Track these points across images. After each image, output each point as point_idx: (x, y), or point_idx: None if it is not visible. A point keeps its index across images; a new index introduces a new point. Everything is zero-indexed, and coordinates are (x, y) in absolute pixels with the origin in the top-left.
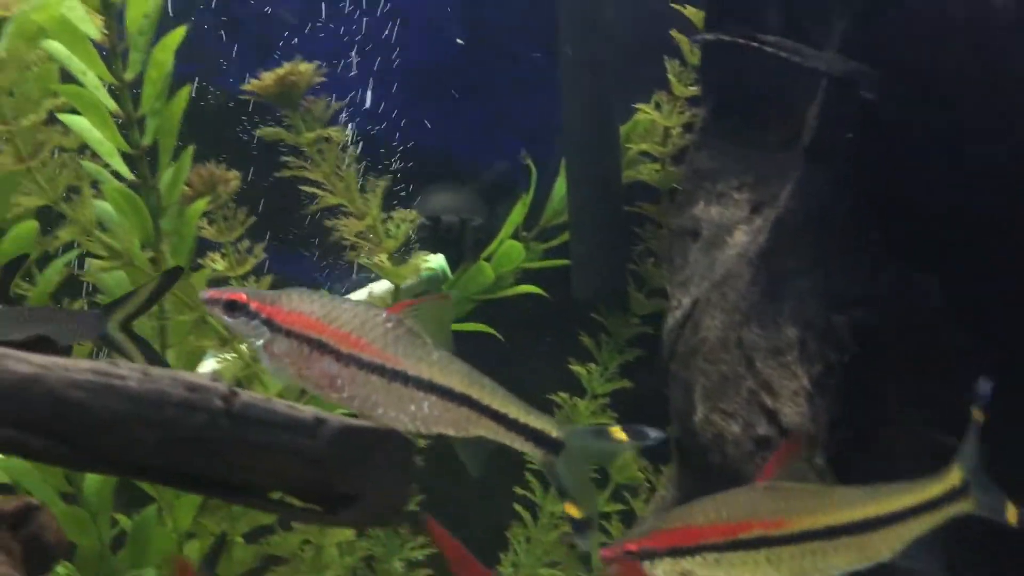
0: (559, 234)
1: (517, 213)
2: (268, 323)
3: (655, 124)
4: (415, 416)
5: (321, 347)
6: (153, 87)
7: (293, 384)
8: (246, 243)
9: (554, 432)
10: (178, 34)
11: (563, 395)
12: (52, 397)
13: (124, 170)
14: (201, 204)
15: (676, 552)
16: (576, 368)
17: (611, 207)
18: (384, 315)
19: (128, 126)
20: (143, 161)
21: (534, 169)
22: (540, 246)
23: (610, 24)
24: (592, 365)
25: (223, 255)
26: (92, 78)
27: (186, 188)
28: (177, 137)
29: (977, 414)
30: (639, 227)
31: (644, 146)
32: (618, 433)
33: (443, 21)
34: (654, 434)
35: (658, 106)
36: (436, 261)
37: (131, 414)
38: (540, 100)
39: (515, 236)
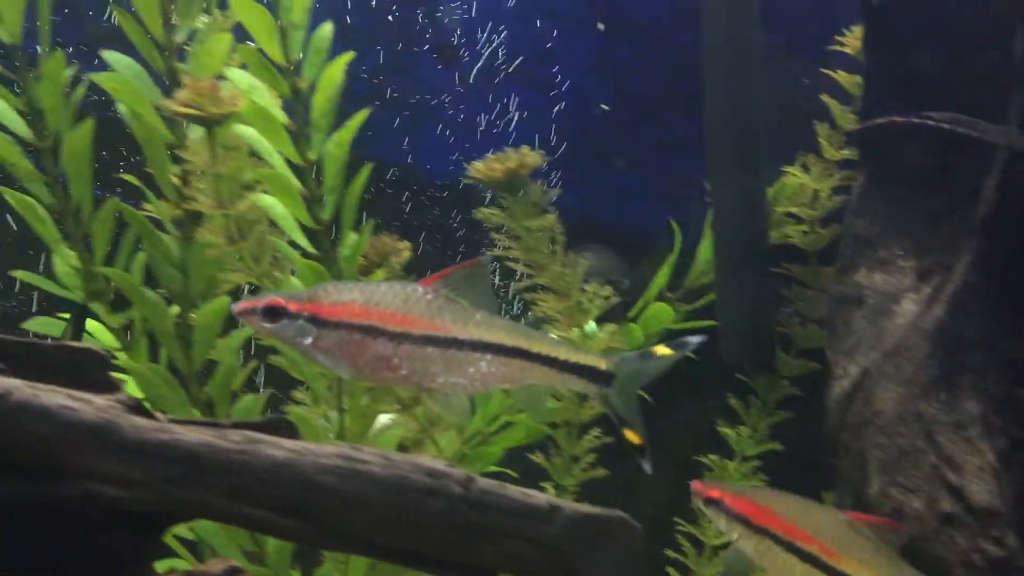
0: (704, 295)
1: (663, 275)
2: (313, 320)
3: (803, 186)
4: (474, 377)
5: (371, 331)
6: (335, 165)
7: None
8: None
9: (603, 365)
10: (360, 116)
11: (712, 457)
12: (303, 481)
13: (306, 243)
14: (378, 275)
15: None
16: (725, 430)
17: (758, 269)
18: (422, 289)
19: (311, 202)
20: (326, 235)
21: (678, 231)
22: (684, 307)
23: (758, 87)
24: (742, 427)
25: None
26: (278, 159)
27: (361, 259)
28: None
29: None
30: (787, 289)
31: (792, 208)
32: (662, 350)
33: (588, 88)
34: (695, 340)
35: (806, 168)
36: (589, 327)
37: (375, 498)
38: (683, 162)
39: (659, 297)
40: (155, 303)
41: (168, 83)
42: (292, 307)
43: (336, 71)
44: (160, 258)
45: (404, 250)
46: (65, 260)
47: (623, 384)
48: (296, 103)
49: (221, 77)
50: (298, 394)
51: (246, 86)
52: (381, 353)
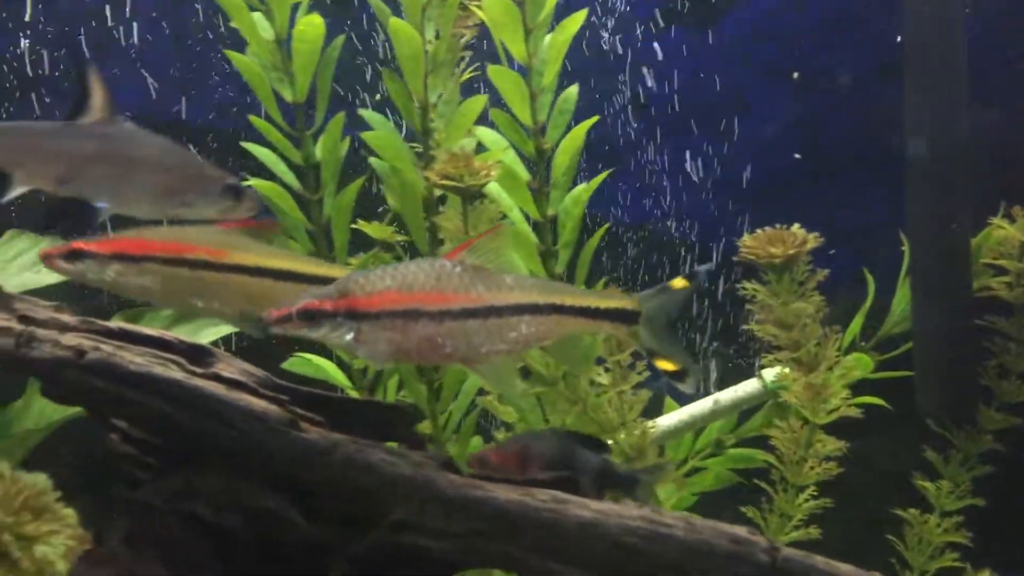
0: (899, 344)
1: (856, 323)
2: (350, 315)
3: (1009, 237)
4: (516, 341)
5: (411, 314)
6: (571, 221)
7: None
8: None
9: (629, 306)
10: (602, 176)
11: (913, 511)
12: (610, 541)
13: None
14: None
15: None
16: (923, 483)
17: (960, 320)
18: (448, 263)
19: (546, 256)
20: None
21: (871, 280)
22: (877, 356)
23: (962, 136)
24: (942, 481)
25: (607, 369)
26: (518, 214)
27: None
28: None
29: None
30: (989, 341)
31: (997, 260)
32: (679, 282)
33: (780, 137)
34: (704, 267)
35: (1012, 218)
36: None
37: (678, 561)
38: (874, 212)
39: (852, 346)
40: None
41: (423, 138)
42: (328, 306)
43: (580, 132)
44: None
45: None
46: None
47: (649, 320)
48: (539, 162)
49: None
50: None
51: (493, 145)
52: (424, 335)
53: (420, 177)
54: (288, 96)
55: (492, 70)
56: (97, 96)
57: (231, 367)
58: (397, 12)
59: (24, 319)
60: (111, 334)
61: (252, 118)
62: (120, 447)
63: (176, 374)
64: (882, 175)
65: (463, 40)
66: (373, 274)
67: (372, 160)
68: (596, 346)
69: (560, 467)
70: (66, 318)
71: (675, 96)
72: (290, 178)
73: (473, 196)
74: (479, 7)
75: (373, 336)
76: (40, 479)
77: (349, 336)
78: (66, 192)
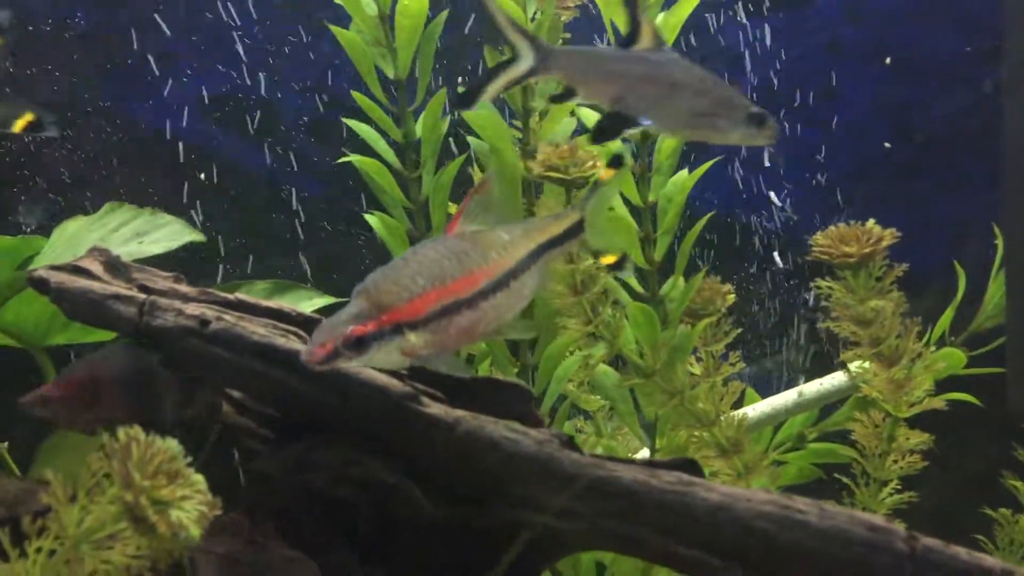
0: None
1: (946, 317)
2: (396, 328)
3: None
4: (525, 295)
5: (452, 309)
6: (673, 208)
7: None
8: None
9: (578, 216)
10: (706, 165)
11: (1004, 511)
12: (740, 526)
13: (636, 284)
14: (705, 320)
15: None
16: (1014, 483)
17: None
18: (458, 240)
19: (645, 243)
20: (654, 276)
21: (962, 272)
22: (968, 352)
23: None
24: None
25: (699, 359)
26: (617, 199)
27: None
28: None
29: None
30: None
31: None
32: (605, 175)
33: (868, 125)
34: (620, 146)
35: None
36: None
37: (814, 549)
38: (965, 203)
39: (941, 340)
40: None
41: (521, 119)
42: (373, 328)
43: None
44: None
45: (728, 293)
46: None
47: (590, 223)
48: (642, 146)
49: (572, 113)
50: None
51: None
52: (465, 326)
53: (519, 158)
54: (390, 72)
55: None
56: (646, 27)
57: None
58: None
59: (144, 289)
60: (229, 304)
61: (355, 94)
62: (235, 418)
63: (297, 345)
64: (976, 165)
65: (562, 19)
66: (400, 275)
67: (471, 139)
68: (693, 337)
69: (138, 391)
70: (184, 288)
71: (761, 82)
72: (390, 156)
73: (575, 185)
74: None
75: (421, 342)
76: (172, 444)
77: (396, 351)
78: (618, 108)
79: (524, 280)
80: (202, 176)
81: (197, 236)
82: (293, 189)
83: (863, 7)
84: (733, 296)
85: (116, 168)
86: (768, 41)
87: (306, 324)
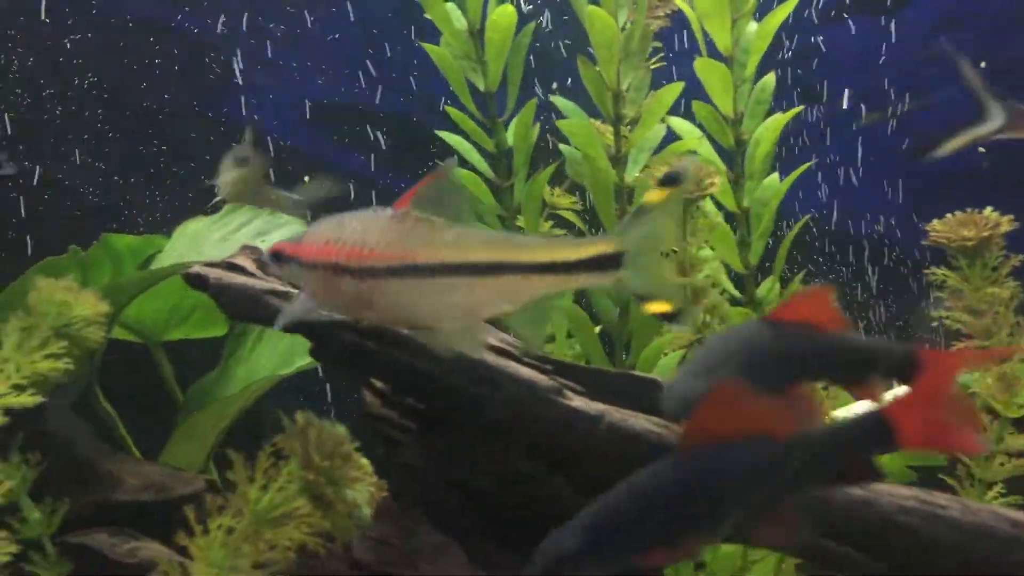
0: None
1: None
2: (296, 261)
3: None
4: (457, 307)
5: (335, 268)
6: (768, 213)
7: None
8: None
9: (611, 248)
10: (802, 168)
11: None
12: (883, 519)
13: (731, 288)
14: None
15: None
16: None
17: None
18: (388, 213)
19: (741, 247)
20: (751, 280)
21: None
22: None
23: None
24: None
25: None
26: (711, 206)
27: None
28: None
29: None
30: None
31: None
32: (653, 196)
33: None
34: (675, 170)
35: None
36: None
37: (954, 543)
38: None
39: None
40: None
41: (614, 125)
42: (288, 251)
43: (779, 123)
44: (600, 294)
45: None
46: None
47: (634, 258)
48: (736, 152)
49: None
50: None
51: (687, 134)
52: (349, 291)
53: (611, 165)
54: (480, 85)
55: (699, 63)
56: None
57: (491, 335)
58: None
59: (296, 285)
60: None
61: (448, 108)
62: (379, 410)
63: None
64: None
65: (652, 28)
66: (330, 220)
67: (562, 147)
68: None
69: None
70: None
71: (854, 87)
72: (483, 166)
73: (692, 203)
74: None
75: (309, 285)
76: (340, 429)
77: (297, 279)
78: None
79: (445, 287)
80: (306, 179)
81: None
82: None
83: (958, 12)
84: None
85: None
86: (859, 47)
87: None
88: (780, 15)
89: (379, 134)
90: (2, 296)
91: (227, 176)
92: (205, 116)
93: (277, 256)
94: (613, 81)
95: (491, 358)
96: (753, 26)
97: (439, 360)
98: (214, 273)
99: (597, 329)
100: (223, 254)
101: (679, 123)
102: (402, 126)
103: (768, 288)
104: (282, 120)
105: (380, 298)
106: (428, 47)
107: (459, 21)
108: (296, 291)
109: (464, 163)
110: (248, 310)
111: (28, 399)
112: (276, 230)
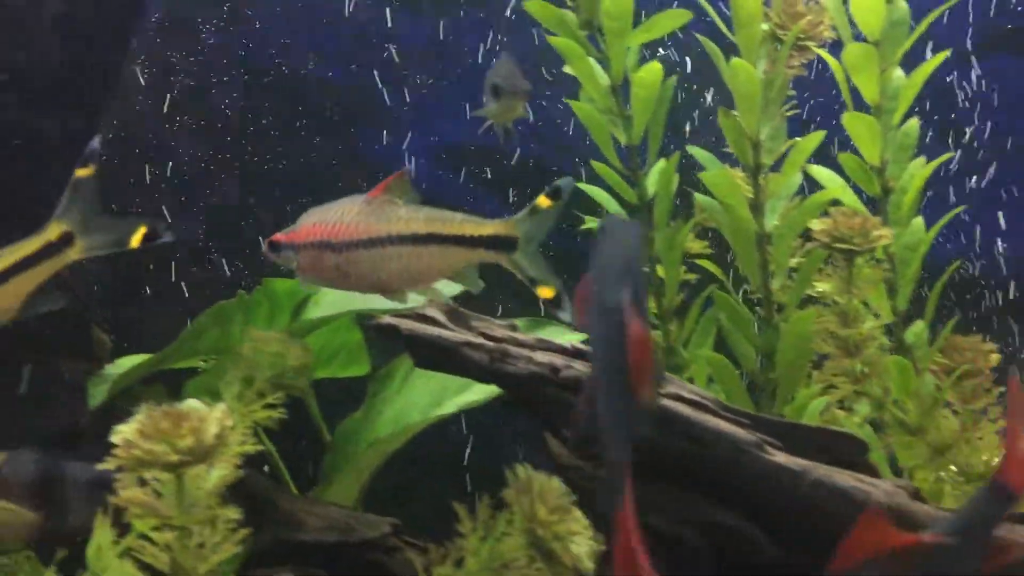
0: None
1: None
2: (291, 247)
3: None
4: (403, 272)
5: (320, 246)
6: (916, 259)
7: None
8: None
9: (505, 231)
10: (948, 216)
11: None
12: None
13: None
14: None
15: None
16: None
17: None
18: (362, 199)
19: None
20: (899, 327)
21: None
22: None
23: None
24: None
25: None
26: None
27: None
28: None
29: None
30: None
31: None
32: (544, 202)
33: None
34: (564, 182)
35: None
36: None
37: None
38: None
39: None
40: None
41: (753, 175)
42: (284, 239)
43: (927, 169)
44: (742, 341)
45: (990, 353)
46: None
47: (525, 244)
48: (882, 200)
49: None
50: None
51: (829, 183)
52: (330, 264)
53: (751, 214)
54: (623, 139)
55: (847, 118)
56: None
57: (683, 387)
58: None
59: (487, 336)
60: (566, 352)
61: (594, 163)
62: (569, 460)
63: None
64: None
65: (789, 76)
66: (308, 215)
67: (698, 196)
68: (947, 391)
69: (43, 491)
70: (521, 335)
71: (996, 129)
72: (620, 212)
73: (858, 254)
74: (821, 47)
75: (304, 265)
76: (555, 482)
77: (294, 265)
78: None
79: (396, 255)
80: None
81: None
82: (550, 241)
83: None
84: (998, 356)
85: None
86: (1002, 87)
87: None
88: (929, 67)
89: (515, 177)
90: (179, 342)
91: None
92: (351, 161)
93: (273, 246)
94: (754, 131)
95: (689, 411)
96: (899, 73)
97: None
98: (405, 324)
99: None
100: (378, 301)
101: (819, 171)
102: (539, 173)
103: (917, 334)
104: (420, 163)
105: (354, 267)
106: (572, 103)
107: (602, 77)
108: None
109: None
110: (442, 361)
111: (251, 448)
112: None
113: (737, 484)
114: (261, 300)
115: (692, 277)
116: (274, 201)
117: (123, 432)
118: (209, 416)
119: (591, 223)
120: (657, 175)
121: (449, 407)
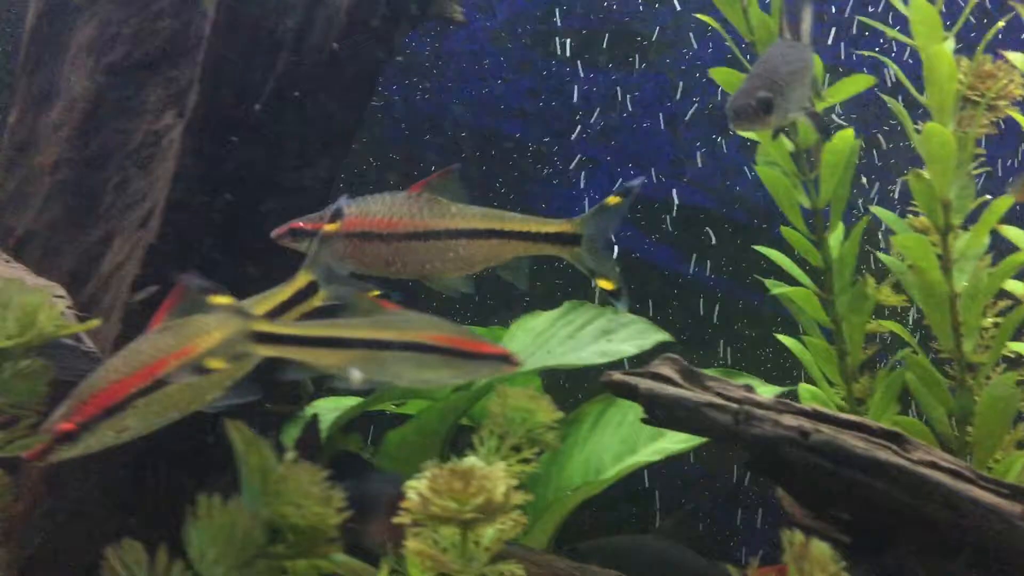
0: None
1: None
2: (333, 236)
3: None
4: (456, 261)
5: (365, 236)
6: None
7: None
8: None
9: (570, 228)
10: None
11: None
12: None
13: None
14: None
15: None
16: None
17: None
18: (405, 194)
19: None
20: None
21: None
22: None
23: None
24: None
25: None
26: None
27: None
28: None
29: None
30: None
31: None
32: (613, 200)
33: None
34: (636, 181)
35: None
36: None
37: None
38: None
39: None
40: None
41: (942, 235)
42: (309, 227)
43: None
44: (934, 403)
45: None
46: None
47: (589, 240)
48: None
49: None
50: None
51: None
52: (377, 253)
53: (944, 277)
54: (807, 203)
55: None
56: None
57: (936, 455)
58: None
59: (724, 396)
60: (805, 413)
61: (783, 228)
62: (809, 521)
63: (899, 460)
64: None
65: (979, 135)
66: (350, 202)
67: (884, 257)
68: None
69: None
70: (758, 396)
71: None
72: (804, 279)
73: None
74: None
75: (340, 251)
76: (824, 546)
77: (314, 251)
78: None
79: (451, 246)
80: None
81: (662, 335)
82: (719, 292)
83: None
84: None
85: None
86: None
87: (890, 437)
88: None
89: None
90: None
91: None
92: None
93: (295, 232)
94: (946, 192)
95: (947, 480)
96: None
97: (893, 480)
98: (644, 384)
99: None
100: (572, 352)
101: (1011, 231)
102: (710, 223)
103: None
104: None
105: (402, 256)
106: (759, 168)
107: (785, 142)
108: None
109: (787, 278)
110: (683, 420)
111: (521, 500)
112: (622, 329)
113: (998, 553)
114: None
115: (881, 328)
116: None
117: (417, 488)
118: (494, 475)
119: (776, 287)
120: (842, 238)
121: (645, 454)
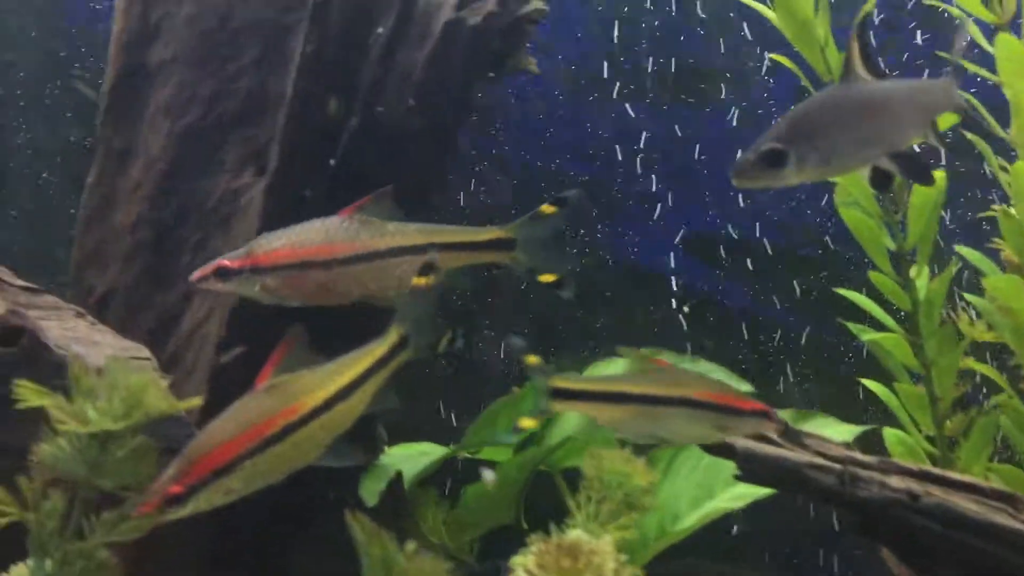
0: None
1: None
2: (253, 270)
3: None
4: (400, 279)
5: (305, 266)
6: None
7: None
8: None
9: (504, 234)
10: None
11: None
12: None
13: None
14: None
15: None
16: None
17: None
18: (337, 218)
19: None
20: None
21: None
22: None
23: None
24: None
25: None
26: None
27: None
28: None
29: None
30: None
31: None
32: (547, 209)
33: None
34: (571, 193)
35: None
36: None
37: None
38: None
39: None
40: None
41: None
42: (236, 265)
43: None
44: None
45: None
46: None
47: (524, 243)
48: None
49: None
50: None
51: None
52: (318, 281)
53: None
54: (891, 245)
55: None
56: None
57: None
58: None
59: (825, 456)
60: (911, 473)
61: (871, 273)
62: None
63: (1016, 524)
64: None
65: None
66: (272, 237)
67: (973, 299)
68: None
69: None
70: (859, 455)
71: None
72: (889, 321)
73: None
74: None
75: (273, 286)
76: None
77: (256, 288)
78: None
79: (393, 265)
80: (685, 309)
81: (744, 387)
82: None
83: None
84: None
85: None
86: None
87: (1003, 498)
88: None
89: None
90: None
91: None
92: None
93: (224, 272)
94: None
95: None
96: None
97: (1011, 544)
98: (741, 443)
99: None
100: None
101: None
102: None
103: None
104: (660, 251)
105: (344, 282)
106: (842, 209)
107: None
108: None
109: (876, 323)
110: (783, 480)
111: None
112: None
113: None
114: (528, 394)
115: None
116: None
117: (525, 564)
118: (602, 550)
119: (863, 332)
120: (928, 281)
121: (724, 500)
